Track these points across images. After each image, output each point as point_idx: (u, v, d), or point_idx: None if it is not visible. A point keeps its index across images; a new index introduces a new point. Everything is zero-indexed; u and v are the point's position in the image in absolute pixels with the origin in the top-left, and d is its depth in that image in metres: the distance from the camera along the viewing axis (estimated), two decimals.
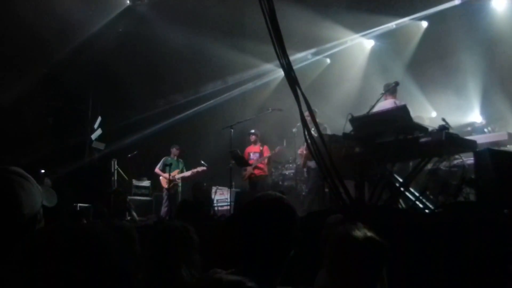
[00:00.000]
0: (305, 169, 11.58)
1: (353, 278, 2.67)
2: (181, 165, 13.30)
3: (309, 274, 3.97)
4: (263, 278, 2.28)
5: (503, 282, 4.00)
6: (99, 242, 1.34)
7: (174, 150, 13.35)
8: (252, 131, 12.12)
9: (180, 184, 13.17)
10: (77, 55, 13.55)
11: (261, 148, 11.94)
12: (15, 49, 12.60)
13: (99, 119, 14.23)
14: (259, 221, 2.38)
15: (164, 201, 12.84)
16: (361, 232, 2.76)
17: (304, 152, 10.43)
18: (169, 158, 13.18)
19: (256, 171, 11.71)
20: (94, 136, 14.05)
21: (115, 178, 13.49)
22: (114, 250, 1.35)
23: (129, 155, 13.85)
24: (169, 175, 12.56)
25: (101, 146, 14.12)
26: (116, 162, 13.59)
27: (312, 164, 10.42)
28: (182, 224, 3.62)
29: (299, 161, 11.39)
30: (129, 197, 13.07)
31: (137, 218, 12.08)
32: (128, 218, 11.88)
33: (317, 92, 13.06)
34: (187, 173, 13.11)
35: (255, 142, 12.09)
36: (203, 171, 13.03)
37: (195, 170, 12.99)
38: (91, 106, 15.00)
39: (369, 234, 2.75)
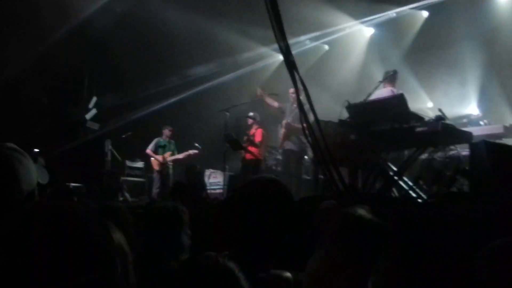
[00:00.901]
0: (280, 150, 11.61)
1: (353, 258, 2.66)
2: (172, 147, 13.22)
3: (301, 258, 3.95)
4: (258, 262, 2.26)
5: None
6: (77, 221, 1.31)
7: (166, 131, 13.25)
8: (250, 114, 11.99)
9: (171, 166, 13.12)
10: (73, 35, 13.43)
11: (254, 131, 11.80)
12: (11, 27, 12.51)
13: (94, 99, 14.17)
14: (254, 203, 2.35)
15: (155, 182, 12.79)
16: (364, 212, 2.75)
17: (283, 129, 10.39)
18: (161, 140, 13.11)
19: (247, 156, 11.57)
20: (88, 116, 13.99)
21: (109, 158, 13.45)
22: (93, 230, 1.32)
23: (123, 136, 13.79)
24: (162, 157, 12.54)
25: (95, 126, 14.07)
26: (110, 143, 13.54)
27: (292, 146, 10.41)
28: (174, 205, 3.58)
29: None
30: (122, 178, 13.06)
31: (129, 199, 12.07)
32: (121, 198, 11.87)
33: (314, 78, 13.01)
34: (179, 156, 13.03)
35: (251, 125, 11.97)
36: (195, 154, 12.96)
37: (187, 153, 12.91)
38: (86, 86, 14.93)
39: (371, 215, 2.75)
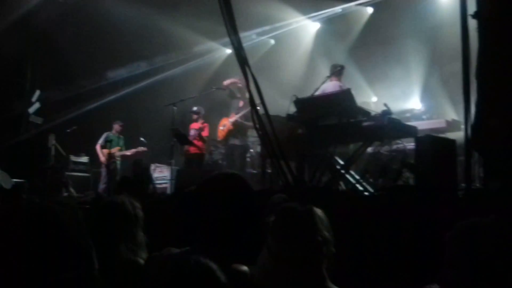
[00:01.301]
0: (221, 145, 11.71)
1: (291, 249, 2.65)
2: (121, 142, 13.12)
3: (252, 253, 3.97)
4: (219, 257, 2.27)
5: (438, 263, 4.10)
6: (58, 220, 1.30)
7: (117, 126, 13.15)
8: (194, 109, 11.98)
9: (118, 161, 12.98)
10: (15, 26, 13.10)
11: (201, 125, 11.79)
12: None
13: (37, 92, 13.84)
14: (216, 199, 2.37)
15: (102, 177, 12.62)
16: (299, 205, 2.75)
17: (230, 125, 10.40)
18: (111, 134, 12.96)
19: (192, 149, 11.56)
20: (32, 110, 13.65)
21: (53, 153, 13.18)
22: (72, 228, 1.32)
23: (68, 130, 13.54)
24: (109, 151, 12.41)
25: (38, 120, 13.74)
26: (54, 137, 13.27)
27: (235, 141, 10.44)
28: (127, 199, 3.52)
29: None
30: (67, 173, 12.84)
31: (75, 194, 11.87)
32: (65, 194, 11.67)
33: (261, 73, 13.04)
34: (127, 152, 12.95)
35: (196, 120, 11.96)
36: (143, 151, 12.91)
37: (135, 150, 12.84)
38: (29, 79, 14.59)
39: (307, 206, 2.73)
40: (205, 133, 11.70)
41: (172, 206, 6.54)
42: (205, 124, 11.79)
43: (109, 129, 13.12)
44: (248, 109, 9.70)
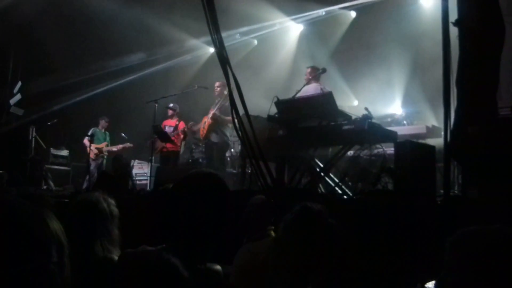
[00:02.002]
0: (201, 144, 11.77)
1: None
2: (108, 138, 13.13)
3: (229, 252, 3.97)
4: (195, 255, 2.28)
5: (414, 264, 4.13)
6: (11, 210, 1.28)
7: (103, 122, 13.20)
8: (170, 105, 11.95)
9: (105, 157, 12.97)
10: None
11: (177, 122, 11.77)
12: None
13: (19, 84, 13.72)
14: (192, 198, 2.37)
15: (91, 172, 12.52)
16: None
17: (209, 121, 10.40)
18: (97, 129, 12.97)
19: (168, 145, 11.51)
20: (12, 101, 13.51)
21: (33, 145, 13.09)
22: (27, 220, 1.29)
23: (49, 123, 13.46)
24: (97, 146, 12.40)
25: (19, 112, 13.61)
26: (34, 130, 13.18)
27: (215, 138, 10.44)
28: (101, 195, 3.49)
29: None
30: (46, 166, 12.76)
31: (53, 187, 11.79)
32: (45, 187, 11.59)
33: (243, 73, 13.04)
34: (114, 147, 12.99)
35: (171, 117, 11.94)
36: (129, 147, 12.92)
37: (122, 145, 12.85)
38: (11, 70, 14.47)
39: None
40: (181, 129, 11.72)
41: (149, 203, 6.52)
42: (181, 122, 11.76)
43: (92, 123, 13.09)
44: (225, 101, 9.78)
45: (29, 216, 1.30)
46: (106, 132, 13.21)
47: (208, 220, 2.37)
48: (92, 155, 12.48)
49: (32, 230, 1.28)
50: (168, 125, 11.80)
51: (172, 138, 11.36)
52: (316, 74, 9.31)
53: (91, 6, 13.27)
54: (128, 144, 12.81)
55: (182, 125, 11.67)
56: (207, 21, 4.37)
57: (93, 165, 12.49)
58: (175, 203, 2.43)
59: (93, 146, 12.39)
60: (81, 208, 3.35)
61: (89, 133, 12.68)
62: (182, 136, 11.64)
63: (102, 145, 12.78)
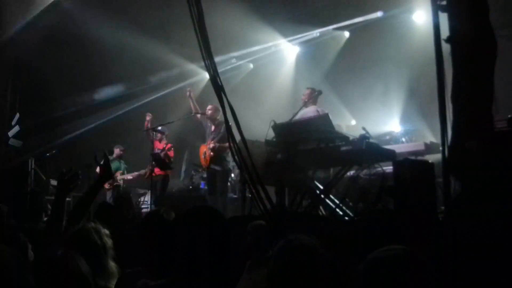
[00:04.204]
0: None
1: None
2: (122, 166, 13.06)
3: (231, 280, 3.94)
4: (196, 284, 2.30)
5: None
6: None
7: (117, 151, 13.14)
8: (159, 128, 11.92)
9: (121, 186, 12.88)
10: None
11: (164, 145, 11.75)
12: None
13: (17, 115, 13.73)
14: (194, 234, 2.41)
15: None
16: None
17: (209, 152, 10.39)
18: (111, 158, 12.90)
19: (156, 169, 11.50)
20: (11, 133, 13.50)
21: (32, 177, 13.05)
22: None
23: (48, 154, 13.45)
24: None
25: (18, 144, 13.60)
26: (33, 161, 13.15)
27: (216, 166, 10.43)
28: (93, 228, 3.43)
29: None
30: (47, 197, 12.71)
31: None
32: (45, 219, 11.54)
33: (240, 97, 13.08)
34: (129, 176, 12.91)
35: (160, 140, 11.94)
36: (145, 174, 12.86)
37: (137, 173, 12.76)
38: (9, 102, 14.50)
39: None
40: (171, 154, 11.76)
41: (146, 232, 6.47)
42: (169, 145, 11.77)
43: (92, 152, 13.03)
44: (222, 130, 9.79)
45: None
46: (121, 160, 13.15)
47: (208, 255, 2.40)
48: (106, 185, 12.41)
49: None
50: (157, 147, 11.79)
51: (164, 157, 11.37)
52: (313, 96, 9.33)
53: (88, 35, 13.31)
54: (143, 171, 12.73)
55: (169, 147, 11.72)
56: (200, 48, 4.39)
57: (108, 195, 12.40)
58: (174, 239, 2.47)
59: None
60: (72, 243, 3.28)
61: (102, 162, 12.59)
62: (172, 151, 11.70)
63: (116, 174, 12.70)
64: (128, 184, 13.01)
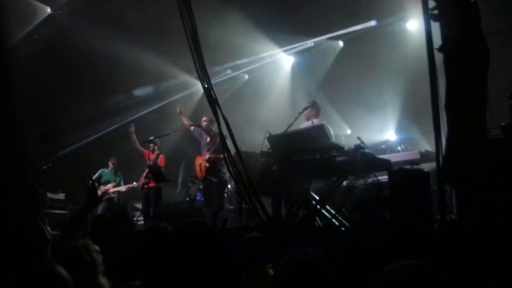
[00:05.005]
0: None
1: None
2: (118, 179, 13.01)
3: None
4: None
5: None
6: None
7: (110, 164, 13.11)
8: (150, 138, 11.93)
9: (116, 198, 12.82)
10: None
11: (156, 156, 11.74)
12: None
13: None
14: (184, 250, 2.43)
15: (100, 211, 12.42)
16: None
17: (205, 164, 10.38)
18: (106, 171, 12.90)
19: (149, 182, 11.52)
20: None
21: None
22: None
23: (44, 167, 13.44)
24: (102, 188, 12.34)
25: None
26: (30, 174, 13.12)
27: (214, 178, 10.41)
28: (82, 245, 3.42)
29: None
30: (43, 210, 12.67)
31: (50, 232, 11.65)
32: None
33: (235, 109, 13.12)
34: (122, 188, 12.82)
35: (152, 150, 11.90)
36: (138, 186, 12.81)
37: (129, 185, 12.71)
38: None
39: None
40: (162, 164, 11.71)
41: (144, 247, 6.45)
42: (162, 156, 11.76)
43: (90, 165, 13.06)
44: (217, 141, 9.79)
45: None
46: (117, 172, 13.11)
47: (200, 269, 2.41)
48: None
49: None
50: (150, 159, 11.77)
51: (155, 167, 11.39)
52: (313, 113, 9.38)
53: (84, 48, 13.28)
54: (135, 183, 12.70)
55: (162, 159, 11.73)
56: (193, 60, 4.41)
57: (100, 208, 12.34)
58: (168, 255, 2.49)
59: (102, 188, 12.30)
60: (61, 262, 3.25)
61: (95, 176, 12.62)
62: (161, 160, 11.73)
63: (109, 186, 12.66)
64: (122, 197, 12.98)
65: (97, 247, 3.46)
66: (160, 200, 11.61)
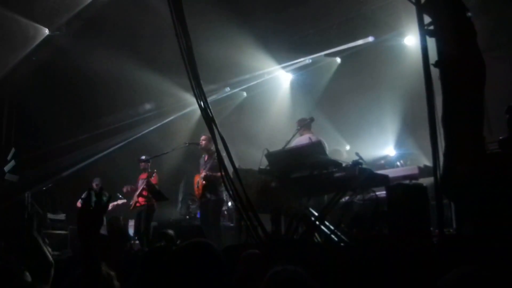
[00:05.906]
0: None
1: None
2: (105, 198, 12.96)
3: None
4: None
5: None
6: None
7: (94, 185, 13.12)
8: (142, 157, 11.95)
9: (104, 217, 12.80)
10: None
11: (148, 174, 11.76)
12: None
13: (12, 150, 13.75)
14: (185, 270, 2.45)
15: None
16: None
17: (202, 181, 10.39)
18: (92, 192, 12.88)
19: (140, 199, 11.53)
20: (7, 168, 13.50)
21: (29, 211, 13.02)
22: None
23: (44, 188, 13.45)
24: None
25: (14, 178, 13.59)
26: (30, 195, 13.13)
27: (211, 196, 10.42)
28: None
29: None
30: (44, 231, 12.67)
31: (51, 253, 11.63)
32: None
33: (233, 127, 13.15)
34: (113, 203, 12.83)
35: (145, 170, 11.90)
36: (123, 203, 12.80)
37: (115, 203, 12.72)
38: (4, 137, 14.54)
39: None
40: (154, 181, 11.68)
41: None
42: (154, 175, 11.74)
43: (86, 186, 13.06)
44: (213, 160, 9.82)
45: None
46: (104, 193, 13.10)
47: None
48: None
49: None
50: (142, 178, 11.78)
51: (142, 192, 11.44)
52: (304, 124, 9.40)
53: (79, 68, 13.35)
54: (120, 201, 12.69)
55: (155, 177, 11.69)
56: (191, 84, 4.44)
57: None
58: (171, 276, 2.51)
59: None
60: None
61: (83, 196, 12.61)
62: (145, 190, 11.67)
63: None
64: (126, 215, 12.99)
65: (113, 273, 3.44)
66: (152, 219, 11.58)
